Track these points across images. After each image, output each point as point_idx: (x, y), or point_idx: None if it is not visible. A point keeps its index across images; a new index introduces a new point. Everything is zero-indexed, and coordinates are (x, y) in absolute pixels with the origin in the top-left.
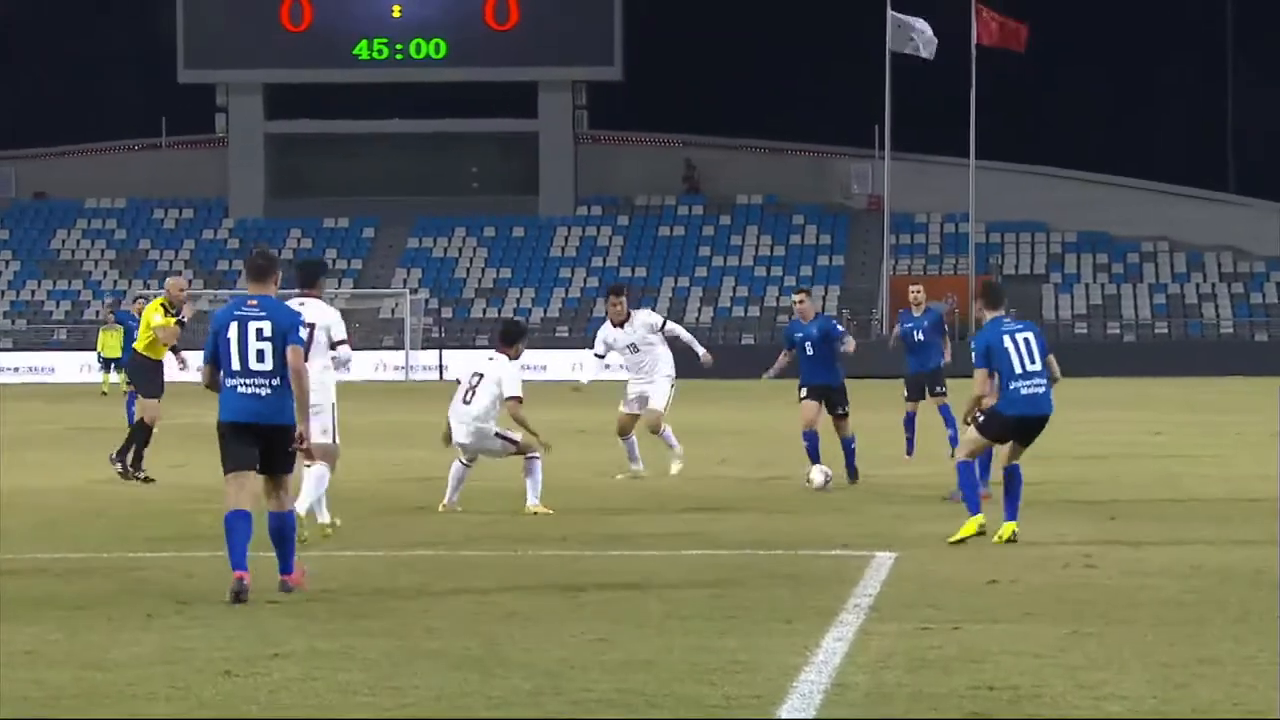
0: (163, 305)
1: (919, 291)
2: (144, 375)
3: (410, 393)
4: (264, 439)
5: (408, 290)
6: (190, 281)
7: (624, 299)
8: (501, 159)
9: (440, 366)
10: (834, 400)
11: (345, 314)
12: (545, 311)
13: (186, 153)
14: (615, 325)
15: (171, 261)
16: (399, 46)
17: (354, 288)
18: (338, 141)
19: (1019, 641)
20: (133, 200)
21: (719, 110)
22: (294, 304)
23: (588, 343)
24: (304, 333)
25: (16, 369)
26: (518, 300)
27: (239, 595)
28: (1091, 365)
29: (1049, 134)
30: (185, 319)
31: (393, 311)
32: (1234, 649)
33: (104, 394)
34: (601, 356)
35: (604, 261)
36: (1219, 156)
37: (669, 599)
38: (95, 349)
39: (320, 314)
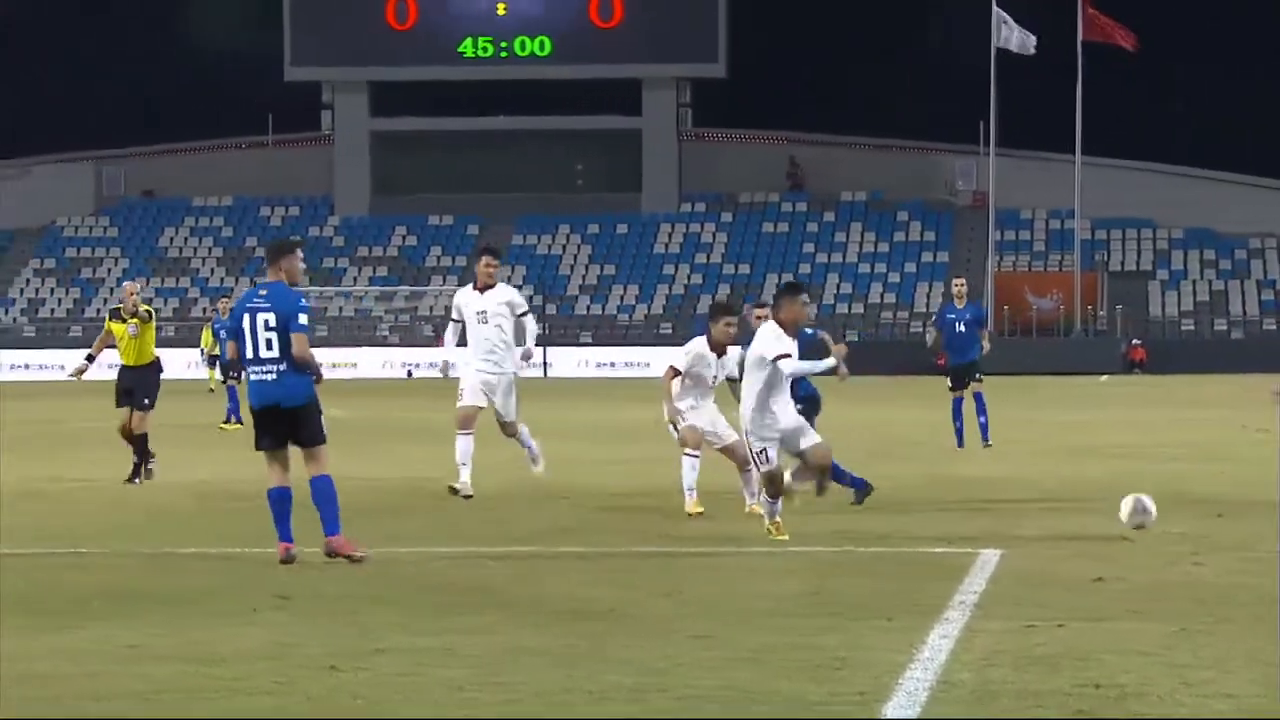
0: (111, 311)
1: (962, 285)
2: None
3: None
4: (286, 418)
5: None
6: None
7: (498, 264)
8: (605, 156)
9: (545, 364)
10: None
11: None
12: (649, 309)
13: (292, 150)
14: (476, 289)
15: None
16: (504, 44)
17: (458, 285)
18: (442, 139)
19: (1125, 639)
20: (239, 198)
21: (822, 107)
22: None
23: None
24: (304, 319)
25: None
26: (621, 297)
27: (285, 563)
28: (1198, 362)
29: (1155, 130)
30: (142, 319)
31: None
32: None
33: (210, 391)
34: (459, 322)
35: (707, 258)
36: None
37: (770, 596)
38: (200, 346)
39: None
